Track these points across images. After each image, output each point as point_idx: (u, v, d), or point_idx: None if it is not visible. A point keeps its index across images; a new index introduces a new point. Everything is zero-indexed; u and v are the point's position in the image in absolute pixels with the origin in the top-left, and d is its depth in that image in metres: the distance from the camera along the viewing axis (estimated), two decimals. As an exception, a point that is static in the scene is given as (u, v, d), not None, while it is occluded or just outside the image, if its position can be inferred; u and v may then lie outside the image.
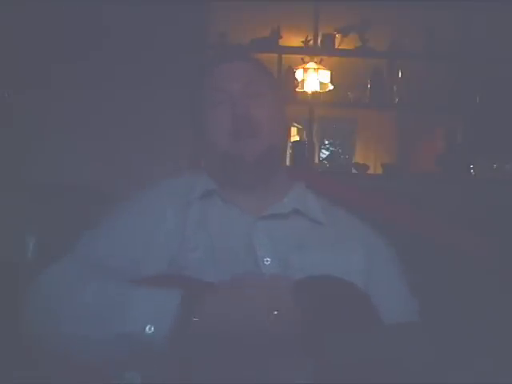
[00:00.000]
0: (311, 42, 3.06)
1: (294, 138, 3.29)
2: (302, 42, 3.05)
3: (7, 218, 2.16)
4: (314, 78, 3.12)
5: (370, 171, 3.12)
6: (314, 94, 3.15)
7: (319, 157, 3.57)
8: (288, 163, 2.63)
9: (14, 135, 2.40)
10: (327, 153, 3.72)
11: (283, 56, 3.03)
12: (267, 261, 0.94)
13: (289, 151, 2.83)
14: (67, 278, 0.89)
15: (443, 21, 2.87)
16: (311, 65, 3.13)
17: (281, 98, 1.13)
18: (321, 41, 3.08)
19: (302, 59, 3.11)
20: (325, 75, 3.15)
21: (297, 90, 3.15)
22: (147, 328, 0.76)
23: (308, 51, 3.10)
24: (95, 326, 0.80)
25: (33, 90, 2.45)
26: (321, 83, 3.16)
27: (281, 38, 3.04)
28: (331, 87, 3.20)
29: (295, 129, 3.36)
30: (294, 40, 3.10)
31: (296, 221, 1.02)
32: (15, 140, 2.39)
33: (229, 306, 0.78)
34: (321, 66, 3.13)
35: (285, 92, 2.95)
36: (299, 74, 3.15)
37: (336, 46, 3.08)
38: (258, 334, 0.76)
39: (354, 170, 3.10)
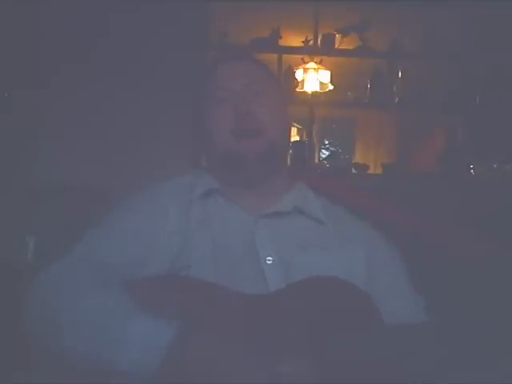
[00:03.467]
0: (311, 42, 3.05)
1: (294, 138, 3.29)
2: (302, 42, 3.05)
3: (7, 218, 2.16)
4: (313, 78, 3.12)
5: (370, 171, 3.12)
6: (314, 94, 3.15)
7: (319, 157, 3.57)
8: (288, 163, 2.63)
9: (14, 135, 2.40)
10: (327, 153, 3.72)
11: (283, 56, 3.03)
12: (269, 260, 0.94)
13: (289, 151, 2.82)
14: (68, 278, 0.88)
15: (443, 21, 2.87)
16: (311, 65, 3.13)
17: (283, 98, 1.13)
18: (321, 41, 3.08)
19: (302, 59, 3.11)
20: (325, 75, 3.15)
21: (297, 90, 3.15)
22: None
23: (308, 51, 3.10)
24: (89, 339, 0.80)
25: (33, 90, 2.45)
26: (321, 83, 3.15)
27: (281, 38, 3.03)
28: (331, 87, 3.19)
29: (295, 129, 3.36)
30: (294, 40, 3.10)
31: (297, 219, 1.02)
32: (15, 140, 2.39)
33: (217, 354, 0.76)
34: (321, 66, 3.13)
35: (285, 92, 2.95)
36: (299, 74, 3.15)
37: (336, 46, 3.07)
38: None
39: (353, 170, 3.10)
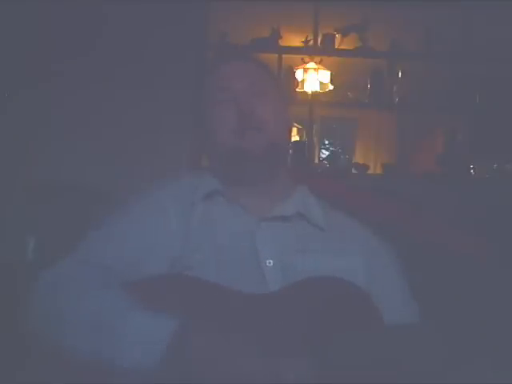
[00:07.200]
0: (311, 42, 3.05)
1: (294, 138, 3.29)
2: (302, 41, 3.05)
3: (7, 218, 2.16)
4: (313, 78, 3.12)
5: (370, 171, 3.12)
6: (314, 93, 3.15)
7: (319, 157, 3.57)
8: (288, 164, 2.63)
9: (14, 135, 2.40)
10: (327, 153, 3.72)
11: (283, 56, 3.03)
12: (269, 262, 0.94)
13: (289, 152, 2.82)
14: (69, 280, 0.89)
15: (443, 21, 2.87)
16: (311, 65, 3.13)
17: (283, 97, 1.14)
18: (321, 41, 3.08)
19: (302, 59, 3.11)
20: (325, 75, 3.15)
21: (297, 90, 3.15)
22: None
23: (308, 51, 3.10)
24: (90, 338, 0.80)
25: (33, 90, 2.45)
26: (321, 83, 3.16)
27: (281, 38, 3.04)
28: (331, 87, 3.19)
29: (295, 129, 3.36)
30: (294, 40, 3.10)
31: (298, 224, 1.02)
32: (15, 140, 2.39)
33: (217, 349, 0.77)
34: (321, 66, 3.13)
35: (286, 92, 2.95)
36: (299, 74, 3.15)
37: (336, 46, 3.08)
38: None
39: (354, 170, 3.10)
